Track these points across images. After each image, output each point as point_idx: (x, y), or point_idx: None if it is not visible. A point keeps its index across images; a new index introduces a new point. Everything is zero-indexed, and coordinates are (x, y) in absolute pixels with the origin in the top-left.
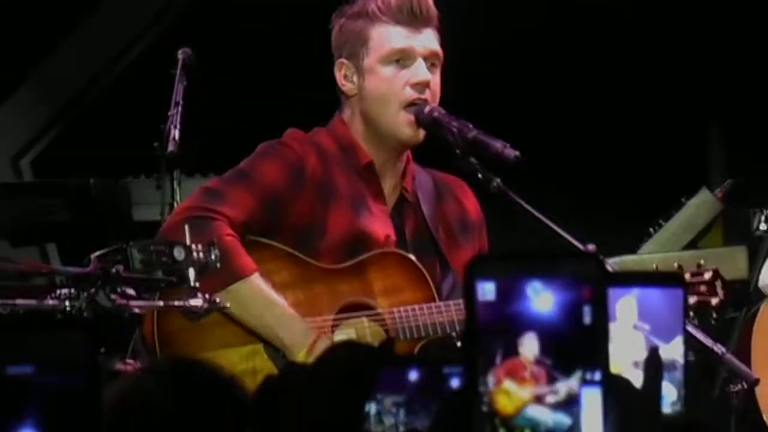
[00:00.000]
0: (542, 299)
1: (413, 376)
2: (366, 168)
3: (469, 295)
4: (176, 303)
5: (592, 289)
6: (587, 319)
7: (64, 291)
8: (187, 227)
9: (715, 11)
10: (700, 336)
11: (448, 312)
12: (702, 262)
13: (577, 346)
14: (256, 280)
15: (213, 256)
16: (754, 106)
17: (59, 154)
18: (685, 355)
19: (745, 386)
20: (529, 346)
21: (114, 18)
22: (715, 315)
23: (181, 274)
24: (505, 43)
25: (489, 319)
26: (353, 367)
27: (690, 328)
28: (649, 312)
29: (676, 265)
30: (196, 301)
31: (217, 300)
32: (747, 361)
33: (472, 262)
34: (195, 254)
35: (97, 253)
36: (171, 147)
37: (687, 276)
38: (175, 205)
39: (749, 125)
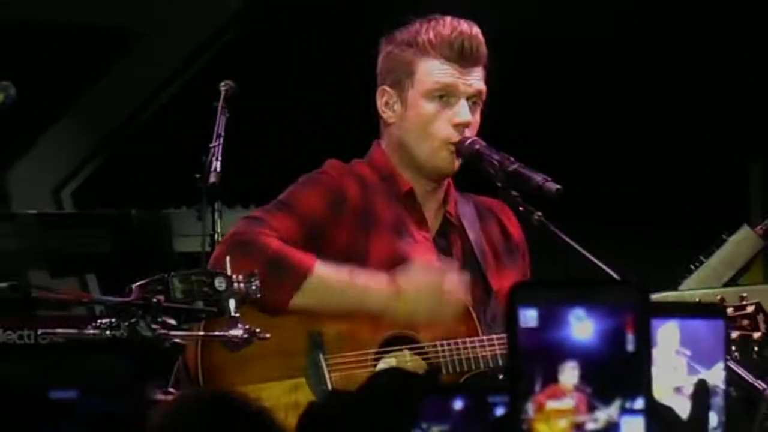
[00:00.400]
0: (583, 327)
1: (458, 404)
2: (407, 195)
3: (511, 321)
4: (217, 333)
5: (635, 316)
6: (630, 347)
7: (105, 320)
8: (228, 258)
9: (758, 49)
10: (741, 372)
11: (492, 346)
12: (745, 295)
13: (617, 374)
14: (321, 268)
15: (254, 287)
16: None
17: (100, 185)
18: (726, 382)
19: None
20: (569, 373)
21: (157, 50)
22: (756, 349)
23: (222, 304)
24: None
25: (530, 346)
26: (397, 395)
27: (731, 364)
28: (690, 339)
29: (718, 298)
30: (236, 331)
31: (257, 330)
32: None
33: (515, 288)
34: (236, 284)
35: (138, 283)
36: (212, 179)
37: (729, 310)
38: (216, 236)
39: None
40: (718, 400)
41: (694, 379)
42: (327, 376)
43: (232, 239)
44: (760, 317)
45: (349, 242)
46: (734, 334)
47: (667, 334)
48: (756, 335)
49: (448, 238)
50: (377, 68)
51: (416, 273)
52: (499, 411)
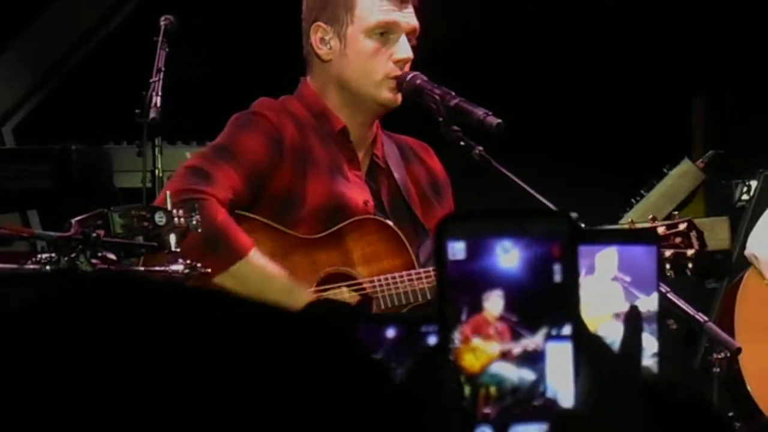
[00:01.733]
0: (510, 257)
1: (390, 333)
2: (340, 133)
3: (440, 254)
4: (157, 268)
5: (563, 245)
6: (557, 276)
7: (45, 255)
8: (168, 192)
9: None
10: (682, 304)
11: (429, 278)
12: (676, 213)
13: (544, 303)
14: (255, 256)
15: (194, 221)
16: (737, 79)
17: (41, 121)
18: (661, 308)
19: (728, 355)
20: (494, 302)
21: None
22: (690, 266)
23: (162, 239)
24: (489, 16)
25: (457, 277)
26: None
27: (672, 296)
28: (628, 265)
29: (650, 216)
30: (177, 267)
31: (198, 265)
32: (730, 330)
33: (442, 221)
34: (176, 219)
35: (78, 218)
36: (153, 114)
37: (662, 229)
38: (157, 172)
39: (732, 98)
40: (655, 327)
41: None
42: None
43: (180, 196)
44: (693, 234)
45: (288, 184)
46: (668, 252)
47: (605, 260)
48: (689, 252)
49: (376, 180)
50: (305, 5)
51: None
52: (431, 339)
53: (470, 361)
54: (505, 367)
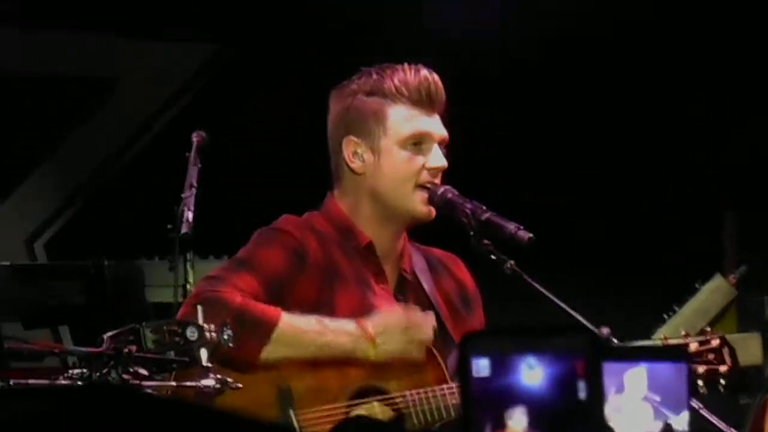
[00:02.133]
0: (534, 373)
1: None
2: (366, 248)
3: (464, 370)
4: (189, 383)
5: (586, 363)
6: (582, 394)
7: (77, 371)
8: (200, 307)
9: (731, 99)
10: (714, 420)
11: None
12: (708, 328)
13: (569, 419)
14: (287, 317)
15: (226, 336)
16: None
17: (73, 236)
18: (692, 426)
19: None
20: (518, 419)
21: (128, 102)
22: (723, 382)
23: (193, 354)
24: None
25: (481, 394)
26: None
27: (704, 412)
28: (658, 384)
29: (683, 332)
30: (208, 381)
31: (230, 380)
32: None
33: (466, 337)
34: (207, 334)
35: (110, 333)
36: (185, 229)
37: (694, 345)
38: (188, 287)
39: (762, 212)
40: None
41: (662, 425)
42: (298, 430)
43: (195, 300)
44: (725, 351)
45: (314, 296)
46: (700, 369)
47: (634, 378)
48: (722, 368)
49: (404, 293)
50: (333, 120)
51: (381, 315)
52: None
53: None
54: None
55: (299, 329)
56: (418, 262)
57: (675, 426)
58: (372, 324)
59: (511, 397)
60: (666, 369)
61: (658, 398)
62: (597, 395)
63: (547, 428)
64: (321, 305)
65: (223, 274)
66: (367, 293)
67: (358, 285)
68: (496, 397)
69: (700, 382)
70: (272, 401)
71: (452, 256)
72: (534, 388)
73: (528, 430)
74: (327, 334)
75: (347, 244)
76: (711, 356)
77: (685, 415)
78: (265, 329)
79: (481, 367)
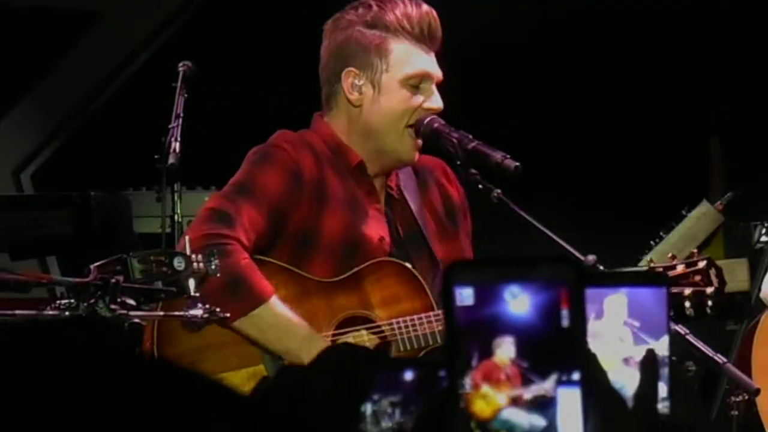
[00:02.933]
0: (518, 303)
1: (408, 376)
2: (357, 167)
3: (448, 300)
4: (176, 313)
5: (569, 291)
6: (565, 322)
7: (64, 301)
8: (187, 237)
9: (717, 27)
10: (700, 346)
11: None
12: (695, 250)
13: (553, 348)
14: (275, 303)
15: (213, 266)
16: (755, 119)
17: (59, 167)
18: (671, 351)
19: (746, 396)
20: (505, 348)
21: (114, 32)
22: (710, 303)
23: (181, 284)
24: (504, 52)
25: (466, 323)
26: (349, 368)
27: (691, 338)
28: (638, 309)
29: (669, 255)
30: (196, 311)
31: (217, 310)
32: (748, 372)
33: (450, 267)
34: (195, 264)
35: (97, 264)
36: (172, 159)
37: (681, 267)
38: (176, 217)
39: (750, 138)
40: (665, 371)
41: (642, 350)
42: (284, 361)
43: (205, 242)
44: (712, 272)
45: (305, 219)
46: (687, 290)
47: (614, 304)
48: (709, 290)
49: (392, 210)
50: (330, 51)
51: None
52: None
53: (481, 407)
54: (516, 413)
55: (277, 321)
56: (406, 178)
57: (656, 351)
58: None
59: (498, 326)
60: (646, 294)
61: (637, 324)
62: (580, 323)
63: (534, 357)
64: (309, 228)
65: (230, 210)
66: (357, 214)
67: (348, 207)
68: (483, 327)
69: (687, 304)
70: None
71: (441, 164)
72: (520, 317)
73: (515, 359)
74: (300, 334)
75: (339, 163)
76: (697, 278)
77: (665, 340)
78: (251, 303)
79: (465, 296)
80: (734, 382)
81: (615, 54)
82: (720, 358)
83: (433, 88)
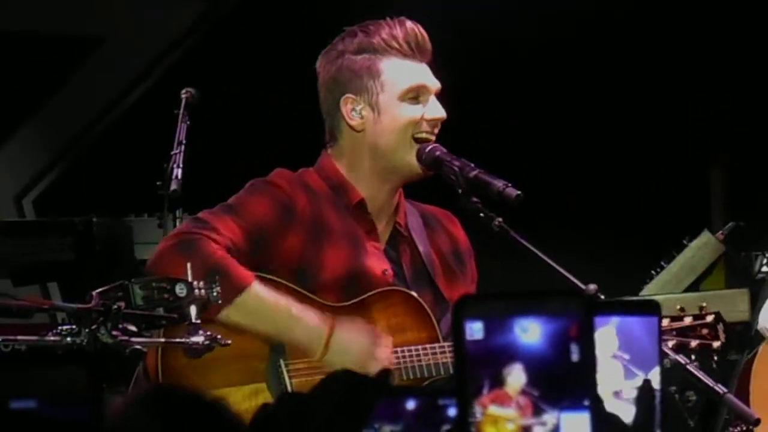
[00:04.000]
0: (528, 336)
1: (410, 405)
2: (357, 206)
3: (458, 334)
4: (177, 339)
5: (579, 326)
6: (575, 356)
7: (66, 327)
8: (189, 264)
9: (721, 55)
10: (701, 376)
11: (452, 352)
12: (704, 304)
13: (564, 378)
14: (257, 287)
15: (215, 293)
16: (757, 149)
17: (62, 193)
18: (662, 382)
19: (746, 427)
20: (516, 376)
21: (118, 57)
22: (716, 358)
23: (183, 310)
24: (504, 77)
25: (476, 355)
26: (350, 396)
27: (691, 368)
28: (627, 341)
29: (678, 307)
30: (197, 338)
31: (219, 337)
32: (747, 402)
33: (460, 301)
34: (197, 291)
35: (99, 290)
36: (174, 186)
37: (689, 319)
38: None
39: (751, 169)
40: (656, 402)
41: (632, 383)
42: (288, 381)
43: (178, 237)
44: (720, 327)
45: (300, 251)
46: (693, 343)
47: (604, 338)
48: (715, 344)
49: (397, 249)
50: (326, 83)
51: (353, 327)
52: (451, 412)
53: None
54: None
55: (263, 303)
56: (413, 220)
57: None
58: (339, 329)
59: (508, 354)
60: (637, 324)
61: (627, 356)
62: (590, 357)
63: (545, 386)
64: (307, 262)
65: (209, 218)
66: (357, 251)
67: (348, 243)
68: (494, 356)
69: (692, 357)
70: (263, 350)
71: (447, 213)
72: (530, 347)
73: (526, 388)
74: (288, 315)
75: (339, 201)
76: (705, 331)
77: (656, 372)
78: (233, 291)
79: (475, 330)
80: (734, 412)
81: (618, 81)
82: (720, 388)
83: (432, 98)
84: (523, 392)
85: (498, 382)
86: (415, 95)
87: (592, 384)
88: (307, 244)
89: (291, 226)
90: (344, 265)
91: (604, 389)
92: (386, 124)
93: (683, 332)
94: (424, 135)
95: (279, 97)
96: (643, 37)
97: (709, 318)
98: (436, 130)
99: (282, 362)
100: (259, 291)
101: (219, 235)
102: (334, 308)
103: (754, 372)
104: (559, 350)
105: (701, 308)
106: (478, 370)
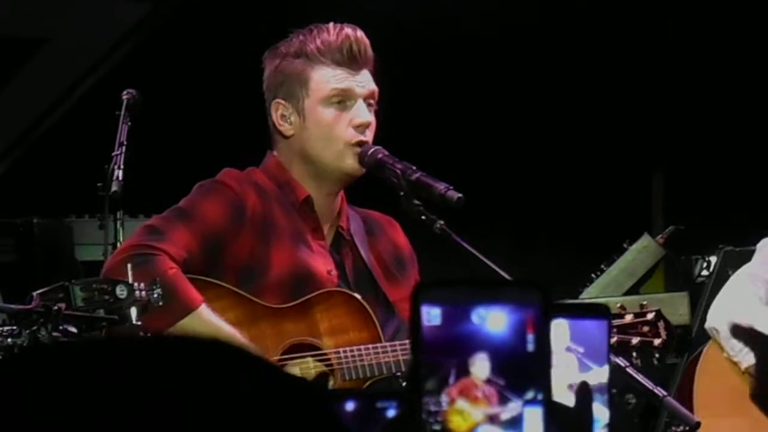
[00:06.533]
0: (490, 321)
1: (349, 407)
2: (304, 203)
3: (416, 319)
4: None
5: (535, 316)
6: (530, 346)
7: (6, 328)
8: (129, 266)
9: (662, 60)
10: (641, 379)
11: (394, 352)
12: (645, 303)
13: (524, 369)
14: (204, 312)
15: (155, 295)
16: (697, 154)
17: (2, 194)
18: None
19: (687, 430)
20: (480, 366)
21: (58, 57)
22: (657, 355)
23: (123, 312)
24: (445, 78)
25: (434, 342)
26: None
27: (631, 370)
28: (580, 337)
29: (618, 305)
30: None
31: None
32: (689, 403)
33: (419, 286)
34: (137, 293)
35: (40, 291)
36: (115, 187)
37: (629, 317)
38: (118, 245)
39: (691, 173)
40: (606, 398)
41: (587, 377)
42: None
43: (131, 251)
44: (661, 324)
45: (250, 252)
46: (635, 340)
47: (557, 331)
48: (656, 342)
49: (340, 253)
50: (265, 83)
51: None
52: (390, 414)
53: (458, 423)
54: (491, 430)
55: (207, 328)
56: (354, 225)
57: (597, 378)
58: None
59: (472, 344)
60: (588, 324)
61: (581, 349)
62: (545, 347)
63: (510, 375)
64: (256, 261)
65: (163, 227)
66: (303, 249)
67: (295, 241)
68: (457, 343)
69: (634, 354)
70: None
71: (390, 219)
72: (492, 336)
73: (491, 377)
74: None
75: (285, 199)
76: (646, 329)
77: (606, 368)
78: (180, 311)
79: (432, 315)
80: (674, 415)
81: (559, 84)
82: (660, 391)
83: (359, 102)
84: (489, 381)
85: (464, 370)
86: (339, 100)
87: (547, 374)
88: (256, 243)
89: (242, 226)
90: (290, 266)
91: (558, 382)
92: (312, 130)
93: (624, 330)
94: (355, 141)
95: (222, 98)
96: (587, 39)
97: (650, 315)
98: (369, 134)
99: None
100: (204, 316)
101: (173, 245)
102: (277, 310)
103: (699, 370)
104: (517, 340)
105: (642, 306)
106: (440, 358)
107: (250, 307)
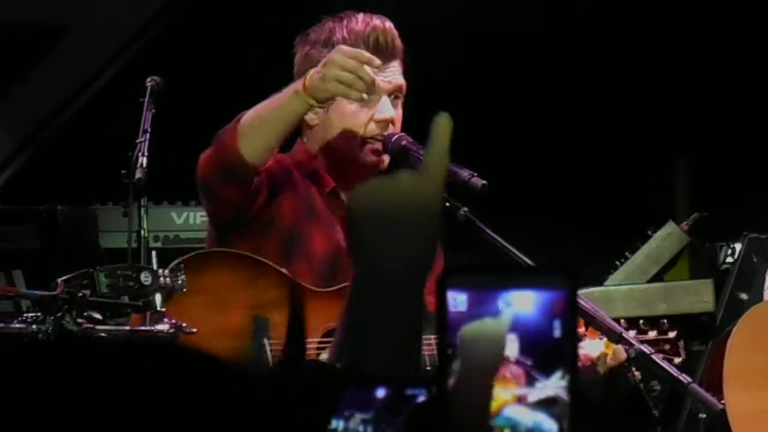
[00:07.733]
0: (523, 302)
1: (380, 394)
2: (331, 193)
3: (441, 305)
4: (143, 327)
5: (563, 302)
6: (557, 332)
7: (31, 315)
8: (153, 252)
9: (685, 50)
10: (666, 366)
11: (429, 345)
12: (665, 321)
13: (553, 351)
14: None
15: (180, 281)
16: (722, 141)
17: (26, 181)
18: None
19: (711, 416)
20: (510, 346)
21: (83, 45)
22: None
23: (148, 298)
24: (471, 70)
25: (460, 326)
26: (314, 386)
27: (656, 358)
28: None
29: (641, 322)
30: (162, 326)
31: (183, 325)
32: (718, 380)
33: (445, 272)
34: (162, 279)
35: (64, 278)
36: (139, 174)
37: (652, 334)
38: (142, 232)
39: (716, 160)
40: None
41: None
42: (271, 360)
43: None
44: (681, 344)
45: (294, 223)
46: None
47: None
48: (676, 360)
49: None
50: (294, 68)
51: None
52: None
53: None
54: (520, 411)
55: (255, 110)
56: None
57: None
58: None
59: None
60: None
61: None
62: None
63: (537, 356)
64: (297, 233)
65: None
66: (339, 235)
67: (331, 226)
68: None
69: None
70: (247, 329)
71: None
72: (521, 317)
73: (519, 358)
74: (274, 99)
75: (317, 186)
76: (667, 347)
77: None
78: (233, 126)
79: (459, 301)
80: (699, 402)
81: (584, 74)
82: (685, 378)
83: (384, 99)
84: (517, 362)
85: None
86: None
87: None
88: (299, 215)
89: (289, 188)
90: (328, 248)
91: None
92: (334, 122)
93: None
94: (374, 136)
95: (246, 83)
96: (610, 30)
97: (672, 334)
98: (392, 130)
99: (266, 341)
100: (248, 112)
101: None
102: (318, 293)
103: (730, 345)
104: (546, 324)
105: (663, 323)
106: None
107: (294, 287)
